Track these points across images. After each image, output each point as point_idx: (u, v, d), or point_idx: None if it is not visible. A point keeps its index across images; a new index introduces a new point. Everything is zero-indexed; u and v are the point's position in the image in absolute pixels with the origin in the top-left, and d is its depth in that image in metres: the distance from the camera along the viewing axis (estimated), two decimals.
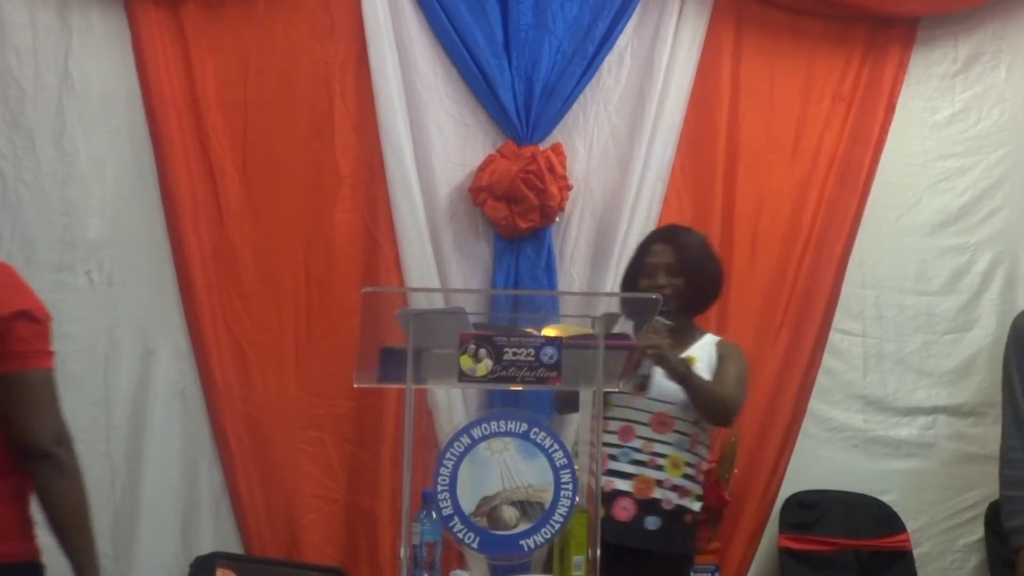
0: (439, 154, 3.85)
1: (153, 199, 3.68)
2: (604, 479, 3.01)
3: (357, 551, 3.70)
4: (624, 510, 3.05)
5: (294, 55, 3.79)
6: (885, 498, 4.02)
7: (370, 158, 3.79)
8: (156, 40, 3.68)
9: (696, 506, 3.13)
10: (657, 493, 3.05)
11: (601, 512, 2.90)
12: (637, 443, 3.07)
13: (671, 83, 3.98)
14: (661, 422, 3.08)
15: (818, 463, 4.03)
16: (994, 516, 4.02)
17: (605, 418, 3.02)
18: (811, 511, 3.97)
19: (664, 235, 3.31)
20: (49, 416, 2.21)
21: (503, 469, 2.33)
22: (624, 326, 2.84)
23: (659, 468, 3.06)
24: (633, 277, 3.27)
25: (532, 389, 2.52)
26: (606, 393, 2.86)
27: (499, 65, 3.86)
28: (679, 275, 3.17)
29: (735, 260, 4.01)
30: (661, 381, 3.01)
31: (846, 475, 4.04)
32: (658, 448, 3.07)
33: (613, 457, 3.07)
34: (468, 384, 2.42)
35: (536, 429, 2.35)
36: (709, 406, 3.07)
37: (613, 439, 3.09)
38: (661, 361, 2.96)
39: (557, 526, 2.35)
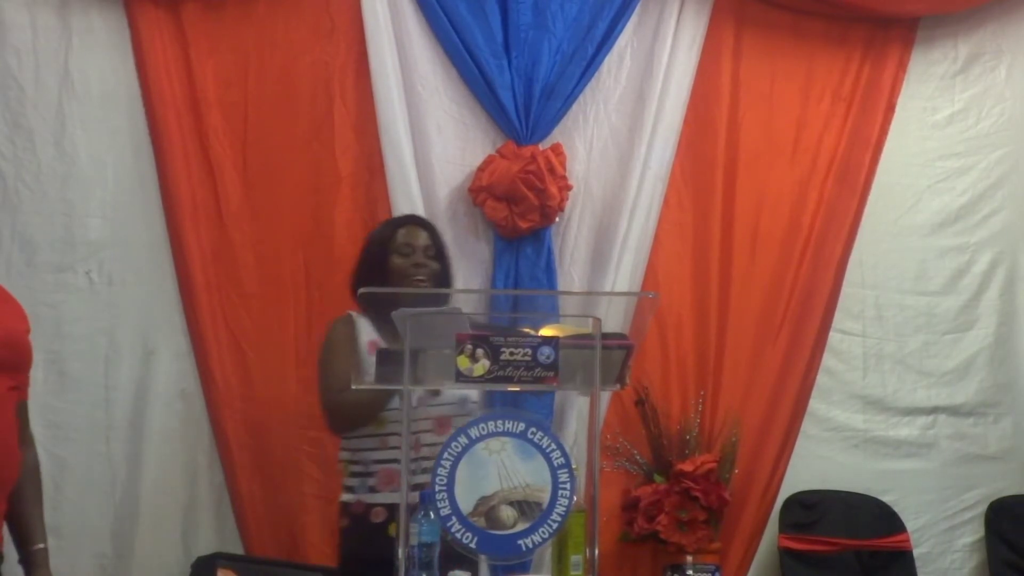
0: (439, 154, 3.86)
1: (153, 199, 3.69)
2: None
3: None
4: None
5: (294, 56, 3.80)
6: (885, 498, 4.02)
7: (370, 158, 3.79)
8: (156, 40, 3.70)
9: None
10: None
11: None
12: (424, 451, 2.86)
13: (671, 83, 3.99)
14: (443, 424, 2.93)
15: (818, 463, 4.02)
16: (994, 516, 4.03)
17: (384, 435, 2.93)
18: (811, 511, 3.96)
19: (414, 219, 3.21)
20: None
21: (501, 469, 2.33)
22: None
23: None
24: (380, 257, 3.06)
25: (530, 390, 2.49)
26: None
27: (499, 65, 3.86)
28: (436, 259, 3.08)
29: (735, 260, 4.01)
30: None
31: (846, 475, 4.03)
32: None
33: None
34: (465, 385, 2.41)
35: (534, 429, 2.34)
36: None
37: (398, 455, 2.82)
38: None
39: (555, 526, 2.34)
